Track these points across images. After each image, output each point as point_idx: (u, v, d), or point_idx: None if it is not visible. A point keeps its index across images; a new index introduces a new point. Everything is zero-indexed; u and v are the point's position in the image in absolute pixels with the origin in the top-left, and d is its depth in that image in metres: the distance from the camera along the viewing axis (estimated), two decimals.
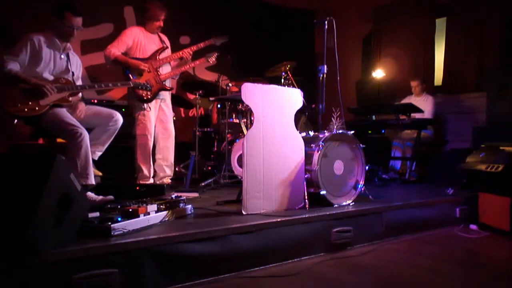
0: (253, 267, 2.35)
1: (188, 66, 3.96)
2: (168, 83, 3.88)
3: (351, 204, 3.06)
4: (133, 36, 3.71)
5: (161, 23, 3.81)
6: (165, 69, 3.85)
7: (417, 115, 4.87)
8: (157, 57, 3.75)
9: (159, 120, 3.85)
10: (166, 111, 3.90)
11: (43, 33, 2.99)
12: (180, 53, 3.84)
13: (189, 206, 2.67)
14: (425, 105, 5.14)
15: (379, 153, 4.97)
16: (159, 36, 3.88)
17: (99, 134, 3.10)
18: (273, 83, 3.31)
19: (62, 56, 3.07)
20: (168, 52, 3.91)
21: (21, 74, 2.82)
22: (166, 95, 3.91)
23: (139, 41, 3.72)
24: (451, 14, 5.69)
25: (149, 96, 3.66)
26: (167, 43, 3.95)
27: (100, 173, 3.16)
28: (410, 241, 3.07)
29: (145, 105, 3.67)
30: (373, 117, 4.85)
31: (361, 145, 3.18)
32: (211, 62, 4.03)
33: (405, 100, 5.32)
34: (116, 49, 3.60)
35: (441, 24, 5.89)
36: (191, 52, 3.87)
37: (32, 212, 1.68)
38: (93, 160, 2.98)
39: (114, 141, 3.22)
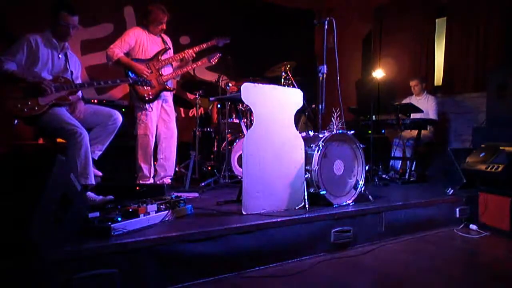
0: (253, 267, 2.35)
1: (190, 67, 3.96)
2: (170, 84, 3.88)
3: (351, 204, 3.06)
4: (135, 36, 3.71)
5: (164, 26, 3.81)
6: (167, 70, 3.85)
7: (417, 115, 4.87)
8: (159, 58, 3.75)
9: (161, 120, 3.86)
10: (168, 111, 3.91)
11: (40, 33, 2.99)
12: (182, 54, 3.84)
13: (189, 206, 2.67)
14: (426, 105, 5.13)
15: (379, 153, 4.96)
16: (161, 37, 3.89)
17: (98, 134, 3.10)
18: (273, 83, 3.31)
19: (60, 56, 3.07)
20: (170, 53, 3.91)
21: (18, 73, 2.83)
22: (168, 96, 3.91)
23: (142, 42, 3.73)
24: (451, 14, 5.68)
25: (151, 97, 3.66)
26: (170, 44, 3.95)
27: (100, 173, 3.16)
28: (410, 241, 3.08)
29: (147, 105, 3.68)
30: (373, 117, 4.85)
31: (361, 145, 3.18)
32: (213, 62, 4.04)
33: (406, 100, 5.32)
34: (119, 49, 3.60)
35: (441, 24, 5.89)
36: (194, 54, 3.87)
37: (33, 212, 1.68)
38: (93, 160, 2.98)
39: (114, 141, 3.22)
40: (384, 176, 4.80)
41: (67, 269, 1.78)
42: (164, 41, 3.88)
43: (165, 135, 3.89)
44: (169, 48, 3.89)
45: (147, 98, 3.65)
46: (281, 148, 2.81)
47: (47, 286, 1.76)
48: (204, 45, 3.89)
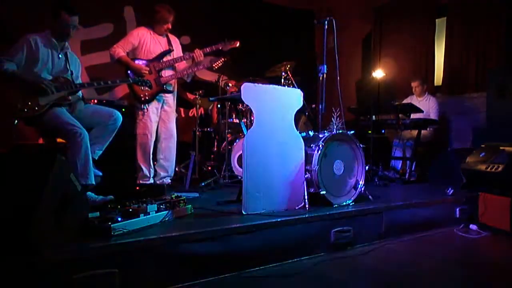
0: (253, 267, 2.35)
1: (197, 67, 3.88)
2: (169, 86, 3.86)
3: (351, 204, 3.06)
4: (139, 37, 3.72)
5: (169, 26, 3.81)
6: (168, 72, 3.83)
7: (419, 115, 4.86)
8: (161, 60, 3.75)
9: (161, 120, 3.86)
10: (168, 112, 3.90)
11: (40, 33, 2.99)
12: (191, 54, 3.79)
13: (189, 206, 2.68)
14: (427, 105, 5.13)
15: (379, 153, 4.96)
16: (167, 37, 3.88)
17: (98, 133, 3.10)
18: (273, 83, 3.31)
19: (60, 56, 3.07)
20: (173, 54, 3.88)
21: (18, 73, 2.83)
22: (169, 97, 3.89)
23: (145, 42, 3.74)
24: (451, 14, 5.68)
25: (147, 98, 3.67)
26: (176, 44, 3.93)
27: (100, 173, 3.16)
28: (410, 241, 3.07)
29: (143, 106, 3.68)
30: (373, 117, 4.85)
31: (361, 145, 3.18)
32: (215, 67, 4.03)
33: (407, 100, 5.31)
34: (121, 49, 3.63)
35: (441, 24, 5.88)
36: (202, 54, 3.80)
37: (33, 212, 1.68)
38: (93, 160, 2.98)
39: (114, 141, 3.22)
40: (384, 175, 4.80)
41: (67, 269, 1.79)
42: (169, 42, 3.87)
43: (164, 136, 3.89)
44: (173, 50, 3.87)
45: (143, 99, 3.66)
46: (281, 148, 2.81)
47: (47, 286, 1.76)
48: (208, 49, 3.84)
